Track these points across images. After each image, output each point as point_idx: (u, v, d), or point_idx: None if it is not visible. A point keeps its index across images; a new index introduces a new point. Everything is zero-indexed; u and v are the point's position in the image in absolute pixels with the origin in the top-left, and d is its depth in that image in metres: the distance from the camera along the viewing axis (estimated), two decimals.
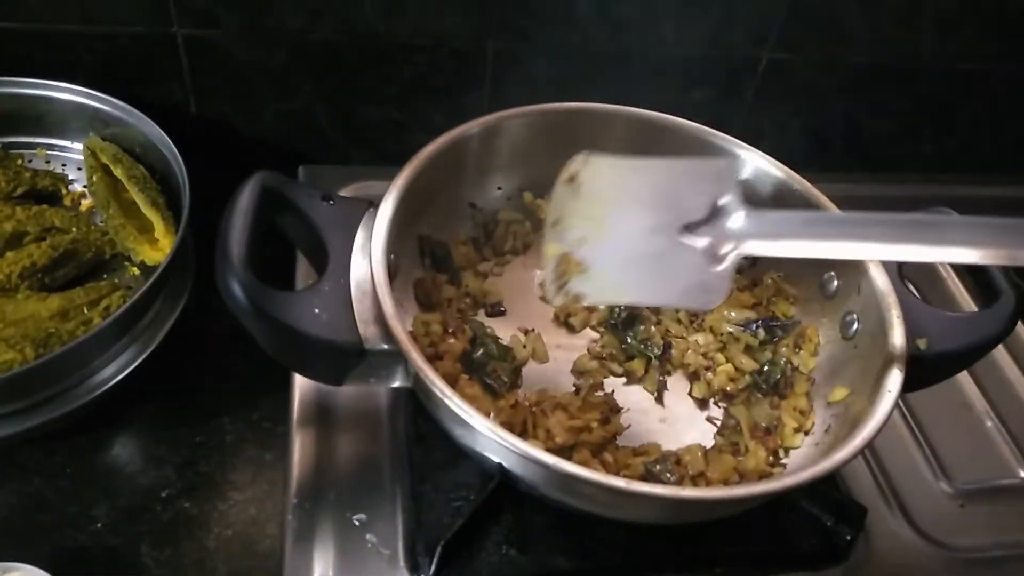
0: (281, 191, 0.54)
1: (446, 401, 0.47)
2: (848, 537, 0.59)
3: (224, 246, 0.48)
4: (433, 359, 0.55)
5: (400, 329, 0.49)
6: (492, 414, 0.56)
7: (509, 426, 0.52)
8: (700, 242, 0.51)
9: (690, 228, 0.51)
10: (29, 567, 0.52)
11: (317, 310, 0.50)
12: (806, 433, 0.60)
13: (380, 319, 0.51)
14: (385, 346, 0.51)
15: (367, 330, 0.51)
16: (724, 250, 0.51)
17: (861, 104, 0.95)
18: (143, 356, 0.65)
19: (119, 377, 0.63)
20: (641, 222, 0.52)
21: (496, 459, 0.51)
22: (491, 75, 0.85)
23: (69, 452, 0.65)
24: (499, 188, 0.70)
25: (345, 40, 0.80)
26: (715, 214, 0.51)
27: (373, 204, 0.57)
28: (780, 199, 0.66)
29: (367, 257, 0.53)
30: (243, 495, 0.64)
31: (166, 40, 0.77)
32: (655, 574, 0.59)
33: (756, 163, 0.67)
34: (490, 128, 0.64)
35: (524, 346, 0.64)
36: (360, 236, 0.55)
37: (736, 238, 0.51)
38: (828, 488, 0.60)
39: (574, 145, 0.68)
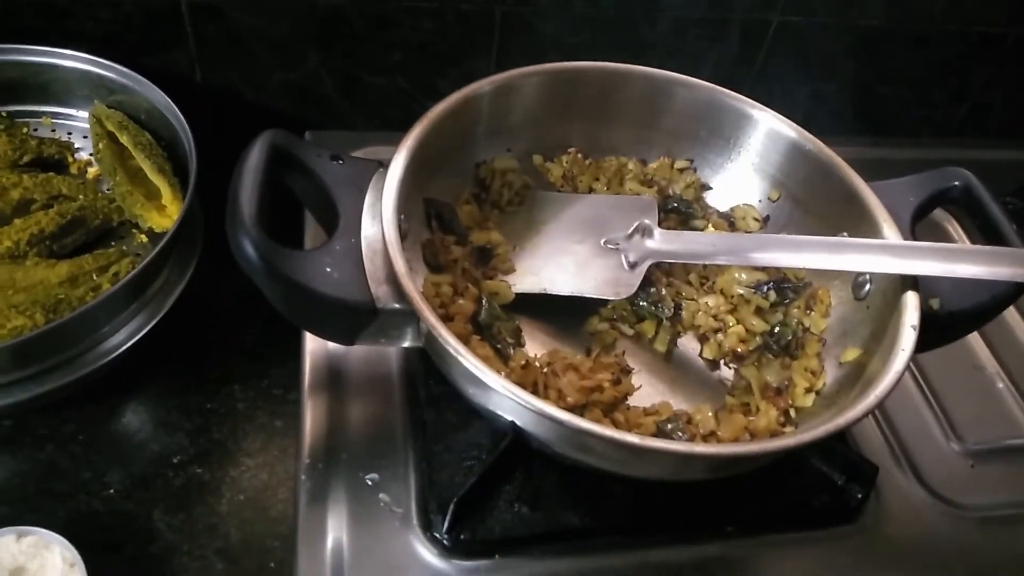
0: (290, 150, 0.54)
1: (460, 359, 0.47)
2: (859, 496, 0.60)
3: (235, 204, 0.48)
4: (444, 320, 0.55)
5: (413, 288, 0.49)
6: (503, 374, 0.56)
7: (520, 386, 0.51)
8: (620, 252, 0.65)
9: (610, 242, 0.66)
10: (45, 531, 0.53)
11: (329, 269, 0.50)
12: (817, 393, 0.60)
13: (392, 278, 0.50)
14: (397, 305, 0.51)
15: (379, 289, 0.51)
16: (637, 259, 0.64)
17: (872, 68, 0.94)
18: (152, 322, 0.65)
19: (129, 343, 0.63)
20: (569, 235, 0.66)
21: (509, 417, 0.51)
22: (498, 40, 0.84)
23: (82, 419, 0.65)
24: (508, 150, 0.69)
25: (350, 6, 0.79)
26: (635, 232, 0.65)
27: (383, 164, 0.57)
28: (793, 159, 0.66)
29: (377, 217, 0.53)
30: (254, 461, 0.65)
31: (171, 7, 0.77)
32: (665, 532, 0.59)
33: (770, 123, 0.67)
34: (502, 87, 0.64)
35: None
36: (370, 196, 0.55)
37: (650, 253, 0.64)
38: (839, 446, 0.60)
39: (585, 105, 0.69)
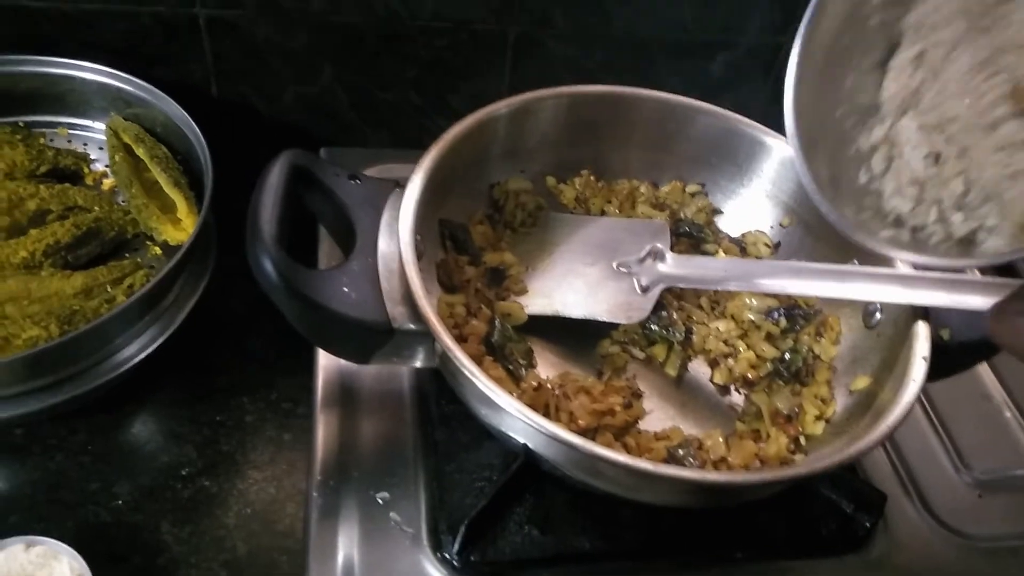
0: (309, 169, 0.54)
1: (475, 381, 0.48)
2: (868, 524, 0.60)
3: (255, 223, 0.48)
4: (458, 341, 0.55)
5: (430, 310, 0.49)
6: (516, 395, 0.57)
7: (532, 408, 0.52)
8: (632, 276, 0.65)
9: (622, 265, 0.66)
10: (54, 541, 0.53)
11: (346, 288, 0.50)
12: (827, 421, 0.60)
13: (408, 299, 0.51)
14: (412, 326, 0.51)
15: (395, 310, 0.51)
16: (649, 283, 0.64)
17: None
18: (165, 335, 0.65)
19: (142, 355, 0.64)
20: (581, 257, 0.67)
21: (521, 439, 0.51)
22: (510, 60, 0.85)
23: (91, 429, 0.65)
24: (522, 171, 0.70)
25: (366, 22, 0.80)
26: (648, 256, 0.66)
27: (399, 184, 0.57)
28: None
29: (394, 237, 0.53)
30: (262, 474, 0.65)
31: (189, 21, 0.77)
32: (674, 557, 0.59)
33: (784, 151, 0.67)
34: (518, 109, 0.65)
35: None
36: (386, 215, 0.55)
37: (662, 277, 0.65)
38: (848, 475, 0.61)
39: (599, 128, 0.69)
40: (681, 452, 0.55)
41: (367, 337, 0.51)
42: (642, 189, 0.72)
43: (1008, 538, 0.64)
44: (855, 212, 0.55)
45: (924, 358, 0.54)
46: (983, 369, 0.75)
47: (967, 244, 0.50)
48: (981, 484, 0.67)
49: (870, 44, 0.54)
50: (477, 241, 0.65)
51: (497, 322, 0.60)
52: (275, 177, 0.51)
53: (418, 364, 0.56)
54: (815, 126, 0.55)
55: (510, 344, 0.59)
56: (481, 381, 0.48)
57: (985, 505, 0.66)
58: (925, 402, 0.72)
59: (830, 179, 0.55)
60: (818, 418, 0.60)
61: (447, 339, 0.49)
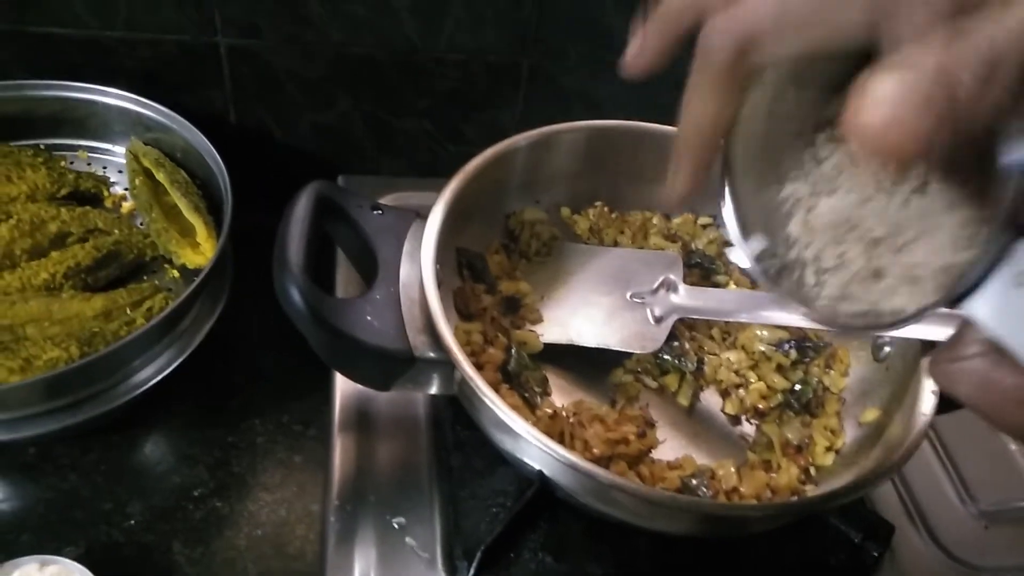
0: (334, 200, 0.55)
1: (494, 409, 0.49)
2: (875, 554, 0.60)
3: (283, 253, 0.49)
4: (476, 368, 0.56)
5: (451, 339, 0.50)
6: (531, 423, 0.57)
7: (547, 435, 0.52)
8: (645, 306, 0.66)
9: (636, 295, 0.67)
10: (68, 561, 0.53)
11: (369, 317, 0.51)
12: (837, 452, 0.61)
13: (429, 328, 0.52)
14: (433, 354, 0.52)
15: (416, 338, 0.52)
16: (663, 313, 0.66)
17: None
18: (182, 358, 0.66)
19: (158, 378, 0.65)
20: (595, 287, 0.68)
21: (537, 466, 0.52)
22: (524, 91, 0.86)
23: (104, 449, 0.66)
24: (537, 201, 0.71)
25: (382, 54, 0.81)
26: (661, 287, 0.67)
27: (419, 214, 0.59)
28: None
29: (415, 267, 0.54)
30: (273, 496, 0.66)
31: (210, 48, 0.79)
32: None
33: None
34: (536, 142, 0.66)
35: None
36: (408, 245, 0.56)
37: (675, 308, 0.66)
38: (857, 505, 0.61)
39: (615, 161, 0.70)
40: (694, 482, 0.56)
41: (389, 365, 0.52)
42: (654, 220, 0.74)
43: (1014, 570, 0.65)
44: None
45: (933, 392, 0.55)
46: None
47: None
48: (987, 516, 0.68)
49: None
50: (493, 270, 0.66)
51: (513, 350, 0.61)
52: (302, 208, 0.52)
53: (433, 391, 0.57)
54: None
55: (526, 372, 0.60)
56: (501, 409, 0.49)
57: (991, 536, 0.67)
58: (932, 434, 0.73)
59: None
60: (828, 449, 0.61)
61: (468, 368, 0.49)
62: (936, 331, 0.56)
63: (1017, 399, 0.30)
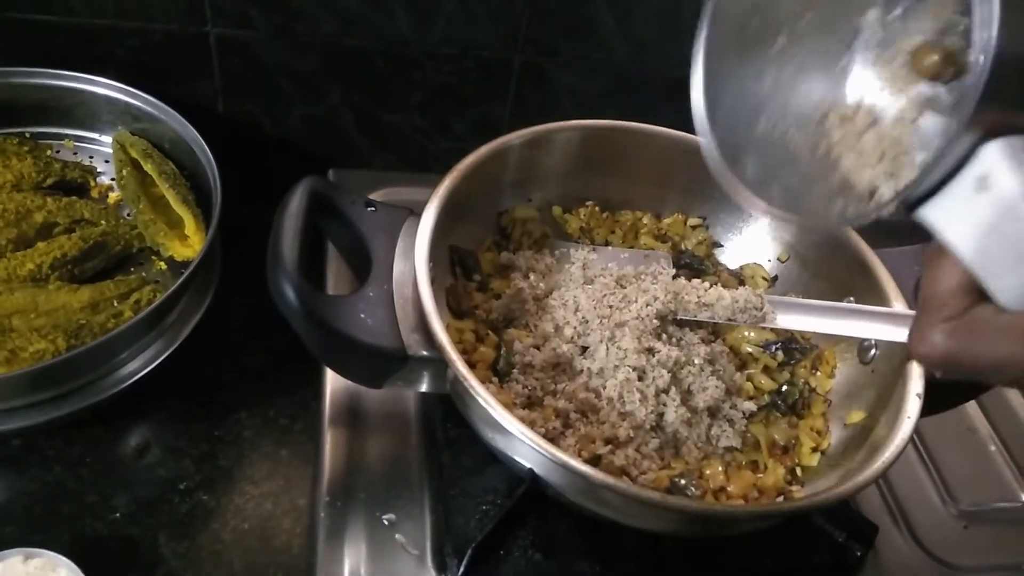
0: (328, 196, 0.55)
1: (487, 408, 0.49)
2: (859, 553, 0.61)
3: (276, 250, 0.49)
4: (468, 367, 0.56)
5: (445, 338, 0.50)
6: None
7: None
8: None
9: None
10: (52, 554, 0.53)
11: (363, 315, 0.51)
12: (823, 453, 0.62)
13: (422, 326, 0.52)
14: (426, 352, 0.52)
15: (410, 337, 0.52)
16: None
17: None
18: (169, 351, 0.66)
19: (145, 371, 0.64)
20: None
21: (528, 464, 0.52)
22: (515, 87, 0.86)
23: (89, 442, 0.65)
24: (529, 200, 0.71)
25: (375, 47, 0.81)
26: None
27: (413, 211, 0.58)
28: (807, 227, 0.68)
29: (409, 264, 0.54)
30: (259, 490, 0.66)
31: (199, 39, 0.78)
32: None
33: None
34: (530, 140, 0.66)
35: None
36: (401, 243, 0.56)
37: None
38: (841, 506, 0.62)
39: (607, 160, 0.71)
40: (683, 482, 0.56)
41: (382, 363, 0.52)
42: (645, 220, 0.74)
43: (992, 569, 0.66)
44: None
45: (918, 395, 0.56)
46: (970, 404, 0.78)
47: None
48: (967, 516, 0.69)
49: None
50: (484, 268, 0.66)
51: (503, 349, 0.61)
52: (296, 205, 0.52)
53: (422, 389, 0.57)
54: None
55: (514, 372, 0.60)
56: (493, 407, 0.49)
57: (971, 536, 0.68)
58: (914, 436, 0.74)
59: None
60: (814, 450, 0.62)
61: (461, 367, 0.50)
62: None
63: (1003, 331, 0.32)
